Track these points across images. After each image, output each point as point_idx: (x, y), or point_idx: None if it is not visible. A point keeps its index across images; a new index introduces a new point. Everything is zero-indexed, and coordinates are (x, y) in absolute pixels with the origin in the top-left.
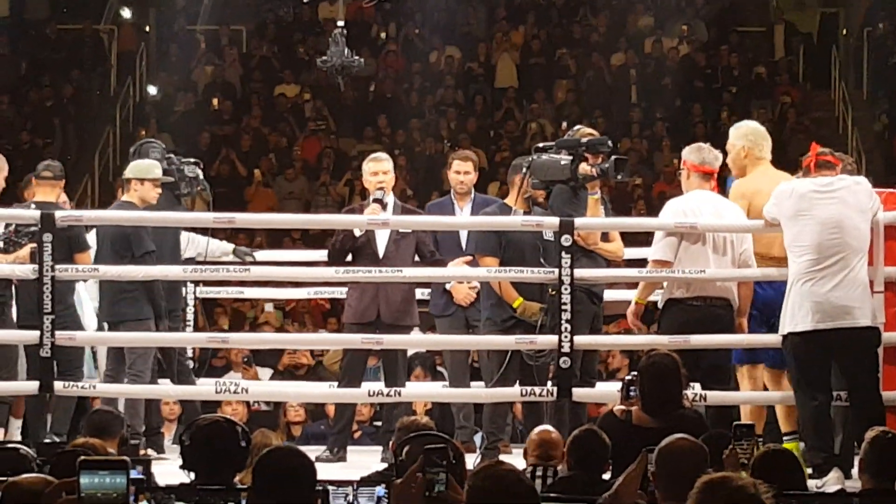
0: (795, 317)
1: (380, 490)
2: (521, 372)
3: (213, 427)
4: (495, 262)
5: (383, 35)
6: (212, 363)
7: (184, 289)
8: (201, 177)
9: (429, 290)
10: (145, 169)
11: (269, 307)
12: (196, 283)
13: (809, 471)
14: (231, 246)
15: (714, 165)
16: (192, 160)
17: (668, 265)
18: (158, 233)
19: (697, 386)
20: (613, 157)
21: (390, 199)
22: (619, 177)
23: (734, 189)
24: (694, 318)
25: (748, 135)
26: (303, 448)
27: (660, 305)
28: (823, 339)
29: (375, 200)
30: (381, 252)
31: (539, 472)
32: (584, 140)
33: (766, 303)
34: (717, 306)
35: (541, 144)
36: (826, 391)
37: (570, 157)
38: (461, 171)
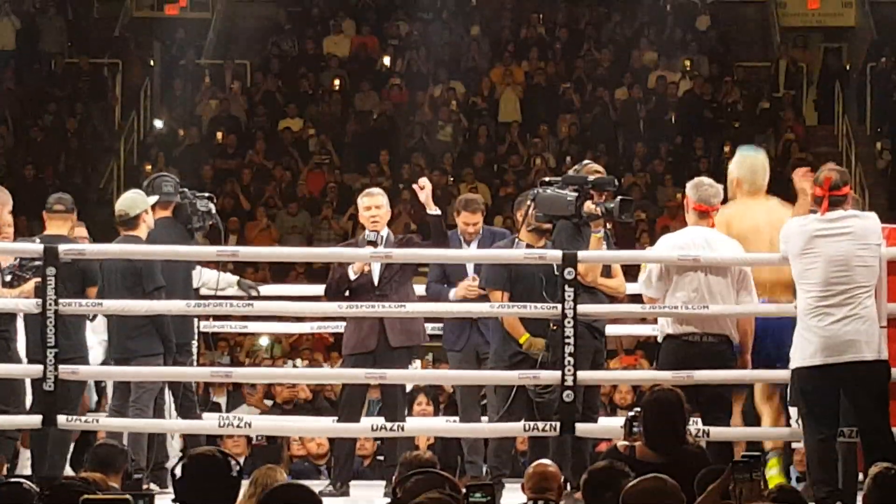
0: (804, 352)
1: None
2: (527, 407)
3: (203, 459)
4: (505, 297)
5: (387, 64)
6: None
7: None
8: (214, 211)
9: (440, 325)
10: (143, 199)
11: (263, 341)
12: (199, 317)
13: None
14: (235, 278)
15: (711, 202)
16: (205, 195)
17: (653, 301)
18: (171, 266)
19: (699, 421)
20: (619, 198)
21: (384, 231)
22: (624, 217)
23: (718, 216)
24: (691, 353)
25: (742, 166)
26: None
27: (659, 340)
28: (831, 373)
29: (370, 243)
30: (375, 281)
31: None
32: (591, 178)
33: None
34: (715, 342)
35: (546, 179)
36: (833, 426)
37: (576, 194)
38: (470, 223)
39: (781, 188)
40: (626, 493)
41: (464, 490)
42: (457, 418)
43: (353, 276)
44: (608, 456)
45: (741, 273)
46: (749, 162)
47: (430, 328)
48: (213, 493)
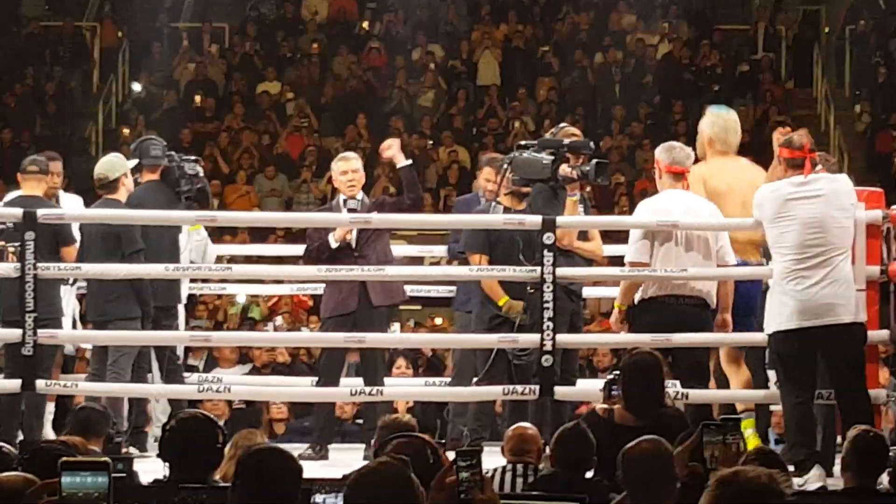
0: (781, 315)
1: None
2: (509, 370)
3: (193, 421)
4: (484, 260)
5: (365, 27)
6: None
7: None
8: (202, 174)
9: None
10: (122, 162)
11: (240, 298)
12: None
13: (791, 468)
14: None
15: (685, 164)
16: (192, 158)
17: (645, 266)
18: (157, 230)
19: (678, 384)
20: (595, 161)
21: (359, 195)
22: (599, 180)
23: (692, 173)
24: (667, 316)
25: (715, 125)
26: (288, 445)
27: (635, 303)
28: (809, 337)
29: (350, 210)
30: (353, 243)
31: (520, 471)
32: (567, 141)
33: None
34: (691, 304)
35: (523, 142)
36: (810, 389)
37: (552, 157)
38: (492, 179)
39: (760, 150)
40: (624, 455)
41: (448, 454)
42: (436, 381)
43: (334, 245)
44: (587, 419)
45: (721, 249)
46: (721, 121)
47: (445, 291)
48: (195, 455)
